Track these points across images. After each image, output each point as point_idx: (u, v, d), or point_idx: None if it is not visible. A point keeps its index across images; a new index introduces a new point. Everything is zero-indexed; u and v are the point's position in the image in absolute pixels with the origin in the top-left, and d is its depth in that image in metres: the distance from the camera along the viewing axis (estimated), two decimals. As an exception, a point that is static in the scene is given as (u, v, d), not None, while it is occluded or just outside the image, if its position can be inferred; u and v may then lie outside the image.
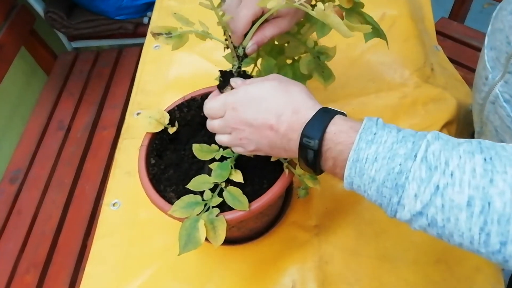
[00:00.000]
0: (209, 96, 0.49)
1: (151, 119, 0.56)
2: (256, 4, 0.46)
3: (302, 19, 0.55)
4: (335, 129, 0.38)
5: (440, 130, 0.62)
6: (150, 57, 0.88)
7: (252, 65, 0.60)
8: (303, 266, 0.58)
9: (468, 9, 1.35)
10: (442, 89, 0.73)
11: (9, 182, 1.17)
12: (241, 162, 0.52)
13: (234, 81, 0.48)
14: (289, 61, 0.60)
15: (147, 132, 0.57)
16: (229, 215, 0.47)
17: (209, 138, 0.54)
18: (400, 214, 0.35)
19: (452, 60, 0.85)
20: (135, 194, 0.62)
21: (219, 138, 0.48)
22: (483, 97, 0.52)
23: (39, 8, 1.50)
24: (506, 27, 0.46)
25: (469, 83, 0.74)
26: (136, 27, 1.55)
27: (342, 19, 0.40)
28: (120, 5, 1.50)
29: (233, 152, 0.51)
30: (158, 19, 0.96)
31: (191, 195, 0.48)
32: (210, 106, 0.47)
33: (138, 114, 0.79)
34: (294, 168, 0.50)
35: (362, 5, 0.47)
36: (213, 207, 0.48)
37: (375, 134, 0.36)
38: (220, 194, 0.49)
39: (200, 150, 0.52)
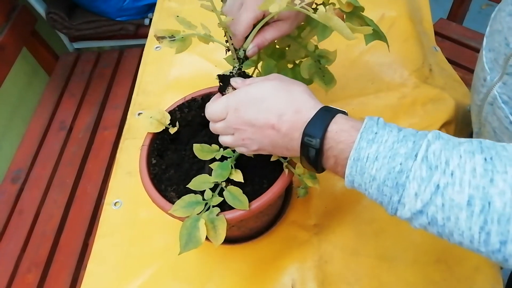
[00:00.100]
0: (211, 99, 0.49)
1: (152, 119, 0.57)
2: (258, 8, 0.46)
3: (302, 23, 0.55)
4: (337, 128, 0.39)
5: (439, 130, 0.62)
6: (151, 58, 0.89)
7: (253, 68, 0.60)
8: (302, 266, 0.59)
9: (466, 10, 1.36)
10: (440, 89, 0.74)
11: (11, 182, 1.18)
12: (241, 162, 0.52)
13: (234, 80, 0.48)
14: (290, 65, 0.60)
15: (148, 132, 0.58)
16: (230, 214, 0.48)
17: (210, 138, 0.55)
18: (400, 213, 0.35)
19: (450, 61, 0.85)
20: (136, 193, 0.63)
21: (222, 139, 0.48)
22: (482, 98, 0.53)
23: (40, 9, 1.50)
24: (504, 28, 0.47)
25: (468, 83, 0.74)
26: (137, 28, 1.56)
27: (343, 22, 0.40)
28: (121, 6, 1.50)
29: (234, 152, 0.52)
30: (159, 20, 0.96)
31: (192, 194, 0.49)
32: (212, 110, 0.47)
33: (139, 114, 0.80)
34: (294, 168, 0.50)
35: (362, 9, 0.47)
36: (213, 206, 0.48)
37: (376, 133, 0.37)
38: (220, 194, 0.49)
39: (200, 150, 0.52)
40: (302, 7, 0.42)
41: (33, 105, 1.43)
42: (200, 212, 0.47)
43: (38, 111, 1.34)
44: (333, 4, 0.45)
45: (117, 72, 1.42)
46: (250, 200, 0.48)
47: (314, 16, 0.41)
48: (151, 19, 1.43)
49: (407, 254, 0.58)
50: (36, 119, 1.32)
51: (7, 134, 1.42)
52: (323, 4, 0.51)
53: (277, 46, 0.59)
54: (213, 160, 0.52)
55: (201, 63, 0.84)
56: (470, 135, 0.69)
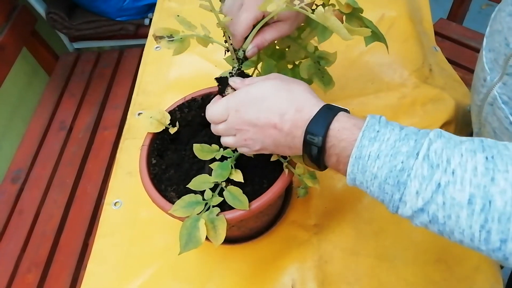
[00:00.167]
0: (211, 101, 0.49)
1: (152, 119, 0.57)
2: (257, 8, 0.46)
3: (303, 24, 0.55)
4: (339, 126, 0.39)
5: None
6: (151, 58, 0.89)
7: (253, 68, 0.60)
8: (302, 265, 0.59)
9: (466, 10, 1.36)
10: (440, 89, 0.74)
11: (11, 182, 1.18)
12: (241, 161, 0.52)
13: (232, 80, 0.48)
14: (289, 66, 0.60)
15: (148, 132, 0.58)
16: (230, 214, 0.48)
17: (210, 138, 0.55)
18: (401, 211, 0.36)
19: (450, 61, 0.85)
20: (136, 193, 0.63)
21: (224, 140, 0.48)
22: (482, 99, 0.53)
23: (40, 9, 1.50)
24: (504, 28, 0.47)
25: (468, 83, 0.74)
26: (137, 28, 1.56)
27: (342, 22, 0.40)
28: (121, 6, 1.50)
29: (234, 152, 0.52)
30: (159, 20, 0.96)
31: (192, 194, 0.49)
32: (212, 112, 0.46)
33: (139, 114, 0.80)
34: (294, 168, 0.50)
35: (361, 11, 0.47)
36: (213, 206, 0.48)
37: (377, 131, 0.37)
38: (220, 194, 0.49)
39: (200, 150, 0.53)
40: (301, 7, 0.42)
41: (33, 105, 1.43)
42: (200, 212, 0.47)
43: (38, 111, 1.34)
44: (333, 5, 0.45)
45: (117, 72, 1.42)
46: (250, 200, 0.48)
47: (312, 16, 0.41)
48: (151, 19, 1.43)
49: (407, 253, 0.58)
50: (36, 119, 1.32)
51: (7, 134, 1.42)
52: (323, 5, 0.51)
53: (277, 47, 0.59)
54: (213, 160, 0.52)
55: (201, 63, 0.84)
56: (470, 135, 0.69)
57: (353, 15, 0.48)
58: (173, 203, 0.49)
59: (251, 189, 0.51)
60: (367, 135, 0.37)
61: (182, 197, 0.48)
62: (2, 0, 1.27)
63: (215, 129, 0.48)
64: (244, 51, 0.49)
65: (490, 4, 1.87)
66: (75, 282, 0.99)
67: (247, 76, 0.50)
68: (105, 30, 1.55)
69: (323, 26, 0.42)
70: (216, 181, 0.50)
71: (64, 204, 1.12)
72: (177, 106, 0.61)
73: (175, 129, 0.58)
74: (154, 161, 0.56)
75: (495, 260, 0.32)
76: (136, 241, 0.65)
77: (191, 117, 0.60)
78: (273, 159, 0.51)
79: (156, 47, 0.90)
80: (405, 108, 0.72)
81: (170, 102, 0.61)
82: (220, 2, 0.52)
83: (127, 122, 0.80)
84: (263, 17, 0.47)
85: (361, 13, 0.48)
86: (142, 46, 0.95)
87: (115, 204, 0.69)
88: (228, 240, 0.60)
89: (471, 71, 1.15)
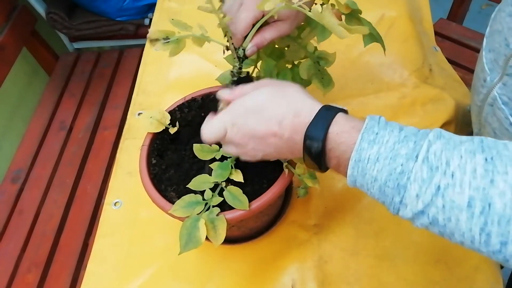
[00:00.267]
0: (204, 121, 0.46)
1: (152, 119, 0.57)
2: (256, 7, 0.46)
3: (302, 23, 0.55)
4: (337, 129, 0.38)
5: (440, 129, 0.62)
6: (151, 58, 0.89)
7: (252, 67, 0.60)
8: (302, 265, 0.59)
9: (466, 10, 1.36)
10: (440, 89, 0.74)
11: (11, 182, 1.18)
12: (241, 161, 0.52)
13: (222, 92, 0.47)
14: (289, 66, 0.60)
15: (148, 132, 0.58)
16: (230, 214, 0.48)
17: (210, 138, 0.55)
18: (402, 213, 0.36)
19: (450, 61, 0.85)
20: (136, 193, 0.63)
21: (225, 150, 0.47)
22: (482, 99, 0.52)
23: (40, 9, 1.50)
24: (504, 29, 0.47)
25: (468, 84, 0.74)
26: (137, 28, 1.56)
27: (341, 21, 0.40)
28: (121, 6, 1.50)
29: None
30: (159, 20, 0.96)
31: (192, 194, 0.49)
32: (208, 132, 0.44)
33: (139, 114, 0.80)
34: (294, 168, 0.50)
35: (360, 12, 0.47)
36: (213, 206, 0.48)
37: (376, 134, 0.36)
38: (220, 194, 0.49)
39: (200, 150, 0.53)
40: (299, 6, 0.42)
41: (33, 105, 1.43)
42: (200, 212, 0.47)
43: (38, 111, 1.34)
44: (333, 5, 0.45)
45: (117, 72, 1.42)
46: (250, 200, 0.48)
47: (309, 14, 0.41)
48: (151, 19, 1.43)
49: (407, 253, 0.58)
50: (36, 119, 1.32)
51: (7, 134, 1.42)
52: (322, 4, 0.51)
53: (276, 46, 0.59)
54: (213, 160, 0.52)
55: (201, 63, 0.84)
56: (470, 135, 0.69)
57: (352, 16, 0.48)
58: (173, 203, 0.49)
59: (251, 189, 0.51)
60: (366, 138, 0.37)
61: (182, 197, 0.48)
62: (2, 0, 1.27)
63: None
64: (244, 49, 0.49)
65: (490, 4, 1.87)
66: (75, 282, 0.99)
67: (249, 77, 0.50)
68: (105, 30, 1.56)
69: (323, 25, 0.42)
70: (216, 181, 0.50)
71: (64, 204, 1.12)
72: (177, 106, 0.61)
73: (175, 129, 0.58)
74: (154, 161, 0.56)
75: (496, 261, 0.32)
76: (136, 241, 0.65)
77: (191, 117, 0.60)
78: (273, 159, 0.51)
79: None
80: (405, 108, 0.72)
81: (170, 102, 0.61)
82: (220, 2, 0.52)
83: (127, 122, 0.80)
84: (263, 16, 0.47)
85: (360, 14, 0.48)
86: (142, 46, 0.95)
87: (115, 204, 0.69)
88: (228, 240, 0.60)
89: (471, 71, 1.15)
